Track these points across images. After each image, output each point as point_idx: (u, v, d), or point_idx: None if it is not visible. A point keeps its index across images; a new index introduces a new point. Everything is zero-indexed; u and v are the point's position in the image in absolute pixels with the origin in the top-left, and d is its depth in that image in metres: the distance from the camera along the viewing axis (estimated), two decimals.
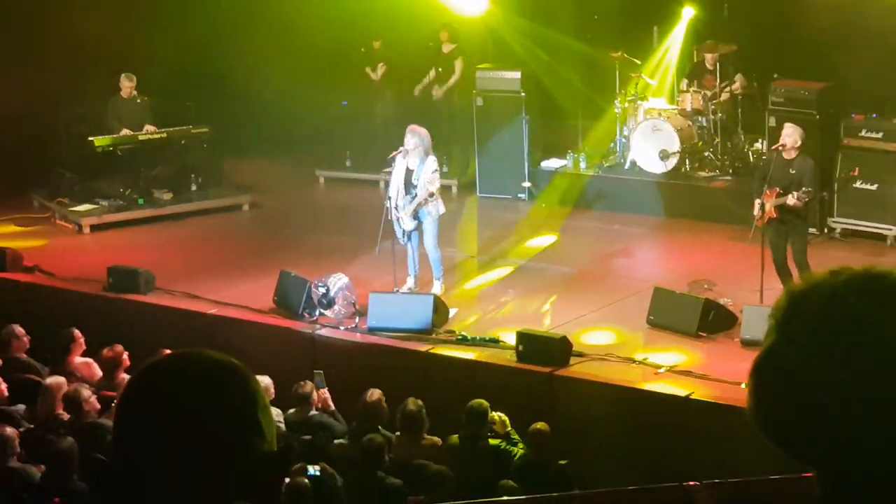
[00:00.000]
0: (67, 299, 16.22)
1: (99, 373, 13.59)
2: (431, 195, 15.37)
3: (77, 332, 14.02)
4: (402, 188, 15.43)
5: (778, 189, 14.36)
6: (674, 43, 20.44)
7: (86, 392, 12.30)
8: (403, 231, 15.50)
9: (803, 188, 14.24)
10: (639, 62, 19.91)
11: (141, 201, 19.95)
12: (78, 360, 13.84)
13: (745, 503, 5.47)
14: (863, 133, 17.35)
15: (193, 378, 2.53)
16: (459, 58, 20.81)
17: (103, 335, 14.26)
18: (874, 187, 17.18)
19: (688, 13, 20.08)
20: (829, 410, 2.20)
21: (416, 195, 15.33)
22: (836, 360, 2.19)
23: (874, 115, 17.38)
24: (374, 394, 12.50)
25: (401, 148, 15.52)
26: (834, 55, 17.72)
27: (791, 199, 14.20)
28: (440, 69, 20.99)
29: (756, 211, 14.52)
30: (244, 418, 2.51)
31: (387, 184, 16.60)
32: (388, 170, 16.06)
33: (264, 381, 12.75)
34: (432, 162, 15.43)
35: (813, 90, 18.09)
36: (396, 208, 15.45)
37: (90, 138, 19.81)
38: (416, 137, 15.39)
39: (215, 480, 2.46)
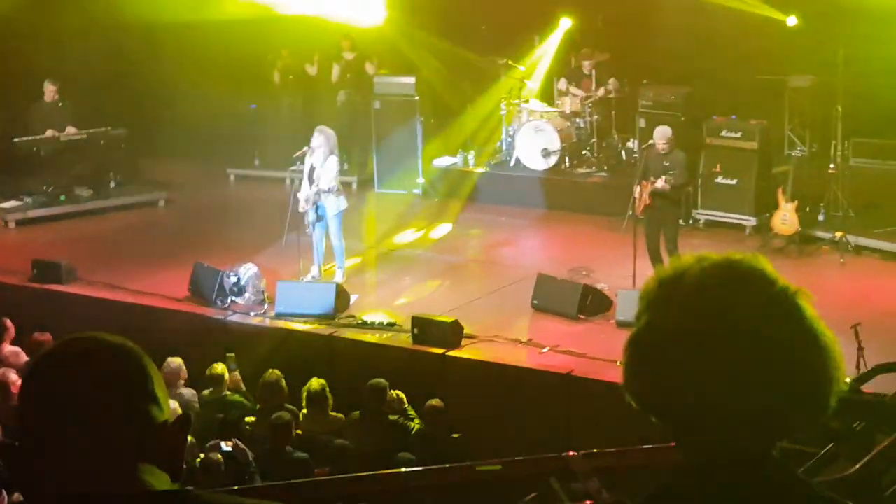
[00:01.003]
0: None
1: (24, 358, 13.40)
2: (332, 190, 15.34)
3: (8, 322, 13.84)
4: (307, 183, 15.40)
5: (653, 179, 14.54)
6: (552, 50, 20.61)
7: (13, 376, 12.14)
8: (309, 221, 15.47)
9: (670, 172, 14.44)
10: (522, 68, 20.03)
11: (63, 198, 19.70)
12: (8, 348, 13.65)
13: (619, 470, 5.51)
14: (723, 133, 17.54)
15: (89, 358, 2.50)
16: (366, 62, 20.81)
17: (29, 323, 14.07)
18: (734, 182, 17.39)
19: (565, 23, 20.30)
20: (688, 387, 2.24)
21: (317, 190, 15.31)
22: (695, 342, 2.23)
23: (733, 117, 17.58)
24: (273, 374, 12.51)
25: (305, 147, 15.48)
26: (697, 61, 17.92)
27: (660, 183, 14.40)
28: (348, 75, 20.90)
29: (635, 201, 14.70)
30: (139, 389, 2.49)
31: (292, 180, 16.52)
32: (293, 168, 15.97)
33: (176, 361, 12.72)
34: (333, 160, 15.39)
35: (678, 93, 18.33)
36: (306, 201, 15.43)
37: (14, 139, 19.55)
38: (322, 136, 15.37)
39: (117, 447, 2.45)
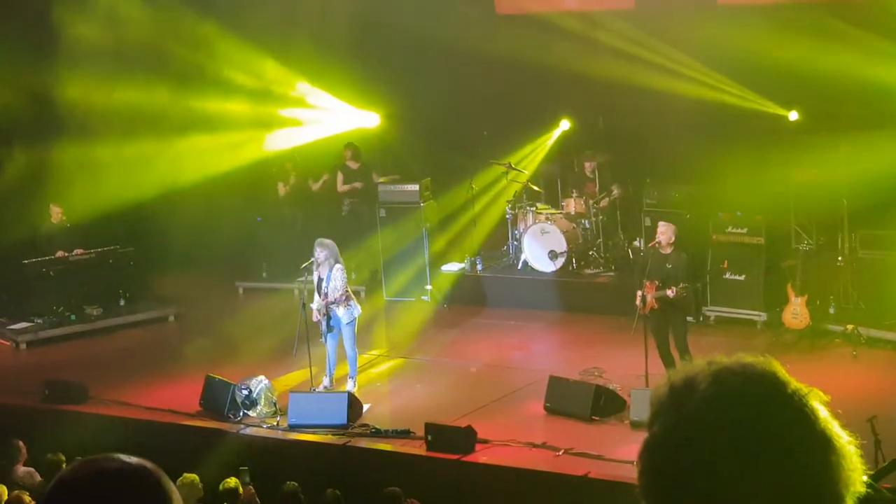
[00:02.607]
0: (8, 411, 15.98)
1: (39, 479, 13.38)
2: (341, 300, 15.38)
3: (21, 443, 13.83)
4: (317, 295, 15.47)
5: (657, 282, 14.53)
6: (551, 149, 20.82)
7: (27, 498, 12.10)
8: (322, 331, 15.51)
9: (681, 284, 14.42)
10: (525, 171, 20.14)
11: (73, 317, 19.76)
12: (22, 469, 13.65)
13: None
14: (729, 229, 17.62)
15: (107, 481, 2.50)
16: (371, 172, 20.98)
17: (43, 444, 14.04)
18: (742, 278, 17.42)
19: (564, 125, 20.52)
20: (703, 494, 2.24)
21: (326, 301, 15.37)
22: (709, 450, 2.23)
23: (739, 213, 17.64)
24: (290, 486, 12.45)
25: (311, 259, 15.55)
26: (700, 158, 18.00)
27: (670, 293, 14.39)
28: (356, 183, 21.03)
29: (638, 302, 14.67)
30: None
31: (300, 291, 16.57)
32: (301, 278, 16.03)
33: (190, 478, 12.65)
34: (339, 270, 15.45)
35: (682, 191, 18.39)
36: (319, 312, 15.49)
37: (24, 261, 19.66)
38: (325, 250, 15.44)
39: None
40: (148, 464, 2.57)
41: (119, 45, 20.39)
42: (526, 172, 20.14)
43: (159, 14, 20.52)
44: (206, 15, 20.47)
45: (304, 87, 21.65)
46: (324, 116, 21.90)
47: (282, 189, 21.63)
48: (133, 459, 2.55)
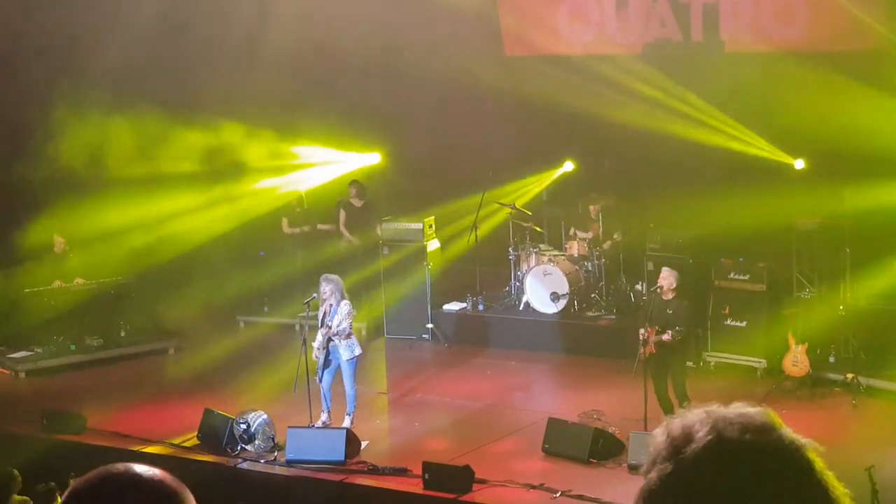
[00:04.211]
0: (6, 440, 15.95)
1: None
2: (343, 333, 15.39)
3: (15, 472, 13.78)
4: (319, 333, 15.47)
5: (657, 327, 14.57)
6: (559, 193, 20.90)
7: None
8: (318, 367, 15.49)
9: (676, 328, 14.49)
10: (529, 213, 20.16)
11: (73, 347, 19.77)
12: (16, 498, 13.59)
13: None
14: (731, 275, 17.65)
15: (121, 491, 2.49)
16: (375, 209, 21.02)
17: (39, 474, 13.99)
18: (743, 324, 17.44)
19: (567, 166, 20.61)
20: None
21: (328, 335, 15.37)
22: (706, 500, 2.24)
23: (741, 259, 17.67)
24: None
25: (314, 294, 15.57)
26: (704, 204, 18.03)
27: (666, 336, 14.45)
28: (356, 221, 21.08)
29: (641, 345, 14.72)
30: None
31: (301, 326, 16.56)
32: (302, 314, 16.03)
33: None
34: (345, 305, 15.47)
35: (686, 236, 18.41)
36: (319, 349, 15.49)
37: (25, 290, 19.67)
38: (330, 284, 15.46)
39: None
40: (166, 475, 2.55)
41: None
42: (529, 213, 20.16)
43: None
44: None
45: (305, 150, 22.01)
46: (329, 159, 22.16)
47: (286, 226, 21.64)
48: (151, 470, 2.54)
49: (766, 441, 2.28)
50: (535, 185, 21.16)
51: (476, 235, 20.31)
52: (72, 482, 2.57)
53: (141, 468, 2.55)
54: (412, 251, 20.21)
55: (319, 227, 21.67)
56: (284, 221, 21.68)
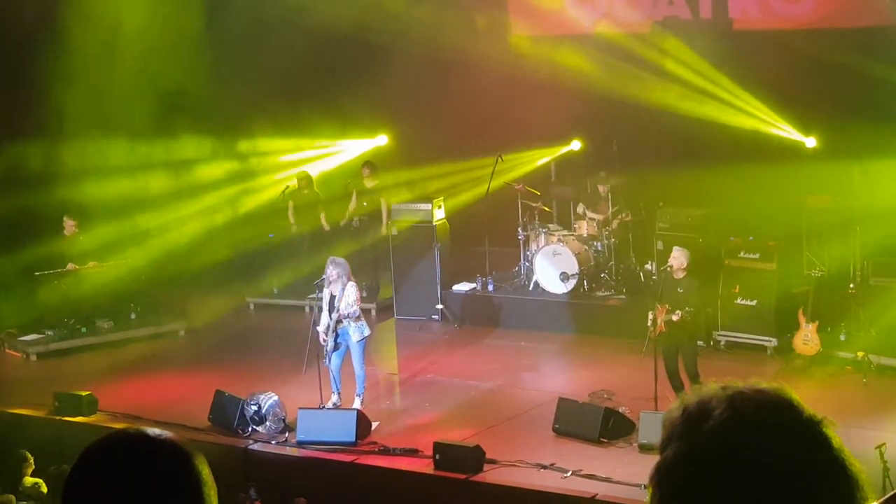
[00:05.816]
0: (18, 422, 16.00)
1: (45, 490, 13.39)
2: (352, 315, 15.37)
3: (28, 454, 13.85)
4: (328, 313, 15.45)
5: (667, 306, 14.54)
6: (568, 173, 20.87)
7: None
8: (326, 351, 15.46)
9: (686, 307, 14.46)
10: (538, 192, 20.12)
11: (84, 330, 19.80)
12: (28, 479, 13.66)
13: None
14: (742, 254, 17.61)
15: (132, 453, 2.50)
16: (383, 198, 20.90)
17: (51, 455, 14.05)
18: (754, 303, 17.40)
19: (574, 145, 20.58)
20: None
21: (337, 317, 15.35)
22: (724, 475, 2.22)
23: (751, 238, 17.63)
24: (300, 502, 12.43)
25: (323, 276, 15.55)
26: (714, 183, 18.00)
27: (675, 316, 14.42)
28: (364, 203, 21.03)
29: (649, 324, 14.69)
30: (190, 494, 2.48)
31: (311, 308, 16.55)
32: (312, 295, 16.01)
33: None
34: (352, 287, 15.45)
35: (695, 215, 18.38)
36: (326, 332, 15.46)
37: (36, 273, 19.69)
38: (337, 267, 15.42)
39: None
40: (178, 437, 2.55)
41: None
42: (538, 193, 20.12)
43: None
44: None
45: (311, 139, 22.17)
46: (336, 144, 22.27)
47: (291, 209, 21.57)
48: (163, 433, 2.54)
49: (784, 417, 2.27)
50: (534, 155, 21.11)
51: (489, 188, 20.04)
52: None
53: (153, 431, 2.56)
54: (422, 232, 20.17)
55: (322, 221, 21.53)
56: (290, 205, 21.60)
